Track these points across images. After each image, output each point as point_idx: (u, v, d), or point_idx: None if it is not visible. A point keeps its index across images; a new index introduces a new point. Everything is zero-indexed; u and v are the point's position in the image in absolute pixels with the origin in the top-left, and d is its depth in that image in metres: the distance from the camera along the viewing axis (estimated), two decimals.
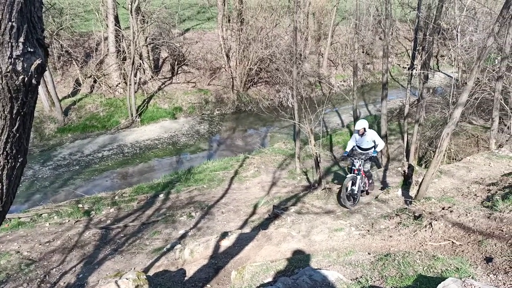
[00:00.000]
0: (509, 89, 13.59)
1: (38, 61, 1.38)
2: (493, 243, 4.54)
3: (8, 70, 1.30)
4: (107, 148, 17.52)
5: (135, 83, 20.56)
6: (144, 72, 22.39)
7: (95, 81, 21.00)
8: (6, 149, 1.47)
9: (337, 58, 28.79)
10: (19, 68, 1.33)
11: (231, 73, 23.85)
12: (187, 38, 25.64)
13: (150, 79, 22.35)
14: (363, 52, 28.86)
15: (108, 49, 21.43)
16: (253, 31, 23.51)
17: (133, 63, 19.44)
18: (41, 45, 1.39)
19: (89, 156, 16.73)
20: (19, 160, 1.57)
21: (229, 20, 24.85)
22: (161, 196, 11.91)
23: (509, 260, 4.06)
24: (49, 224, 9.99)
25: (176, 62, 23.49)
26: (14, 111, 1.41)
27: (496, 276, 3.88)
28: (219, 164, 14.71)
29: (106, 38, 21.53)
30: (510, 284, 3.63)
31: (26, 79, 1.36)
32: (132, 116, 19.88)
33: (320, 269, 4.45)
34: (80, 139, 18.09)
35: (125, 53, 21.19)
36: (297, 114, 13.65)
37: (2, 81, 1.31)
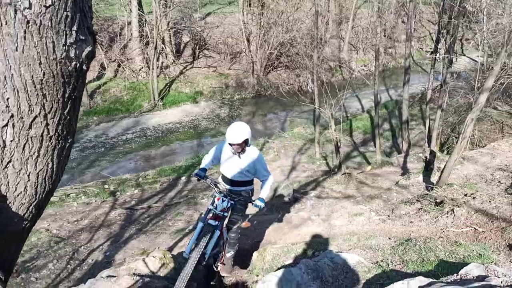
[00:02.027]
0: None
1: (88, 48, 1.48)
2: None
3: (62, 57, 1.40)
4: (131, 131, 17.87)
5: (157, 67, 20.77)
6: (166, 57, 22.56)
7: (119, 65, 21.28)
8: (58, 130, 1.59)
9: (358, 42, 28.30)
10: (72, 55, 1.43)
11: (252, 57, 23.78)
12: (208, 22, 25.60)
13: (172, 63, 22.52)
14: (384, 36, 28.27)
15: (131, 34, 21.64)
16: (274, 15, 23.29)
17: (155, 48, 19.60)
18: (90, 33, 1.49)
19: (114, 138, 17.11)
20: (69, 141, 1.69)
21: (250, 4, 24.66)
22: (183, 178, 12.15)
23: None
24: (77, 203, 10.34)
25: (197, 47, 23.56)
26: (66, 95, 1.52)
27: None
28: None
29: (129, 23, 21.72)
30: None
31: (78, 65, 1.47)
32: (154, 99, 20.14)
33: (341, 252, 4.53)
34: (105, 122, 18.47)
35: (148, 37, 21.37)
36: (317, 98, 13.62)
37: (57, 67, 1.41)
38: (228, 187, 4.78)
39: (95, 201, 10.53)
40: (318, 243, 5.44)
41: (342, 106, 14.02)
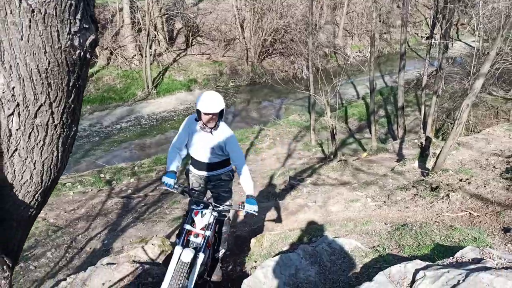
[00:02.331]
0: None
1: (92, 37, 1.48)
2: None
3: (67, 46, 1.40)
4: (125, 119, 17.79)
5: (150, 54, 20.59)
6: (159, 44, 22.36)
7: (111, 53, 21.07)
8: (63, 119, 1.59)
9: (353, 28, 28.19)
10: (76, 43, 1.43)
11: (246, 44, 23.64)
12: (201, 8, 25.35)
13: (165, 50, 22.32)
14: (379, 21, 28.17)
15: (123, 21, 21.39)
16: (268, 1, 23.11)
17: (148, 35, 19.41)
18: (93, 21, 1.49)
19: (108, 127, 17.03)
20: (73, 129, 1.69)
21: None
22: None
23: None
24: (73, 193, 10.34)
25: (190, 34, 23.35)
26: (71, 84, 1.52)
27: None
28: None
29: (121, 9, 21.45)
30: None
31: (82, 53, 1.47)
32: (148, 88, 20.01)
33: (338, 237, 4.59)
34: (99, 111, 18.36)
35: (140, 24, 21.12)
36: (312, 85, 13.61)
37: (62, 56, 1.41)
38: (204, 173, 4.12)
39: (91, 190, 10.53)
40: (315, 229, 5.51)
41: (337, 93, 14.03)
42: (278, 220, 6.62)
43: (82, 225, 8.65)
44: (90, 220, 8.86)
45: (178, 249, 3.27)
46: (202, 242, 3.35)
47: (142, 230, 8.25)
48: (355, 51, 27.32)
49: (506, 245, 4.06)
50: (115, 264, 4.91)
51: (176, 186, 3.54)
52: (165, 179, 3.57)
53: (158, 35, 22.09)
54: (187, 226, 3.44)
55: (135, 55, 21.42)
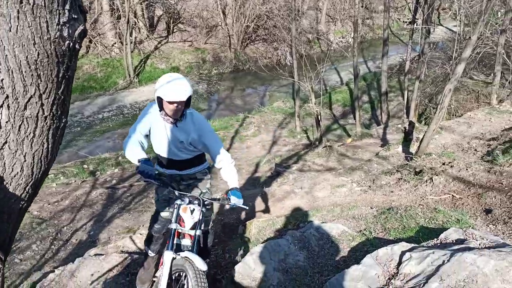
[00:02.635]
0: (511, 43, 13.50)
1: (81, 27, 1.45)
2: (493, 195, 4.75)
3: (56, 36, 1.38)
4: (107, 109, 17.52)
5: (131, 42, 20.22)
6: (140, 31, 21.97)
7: (90, 41, 20.61)
8: (52, 111, 1.57)
9: (336, 13, 28.16)
10: (65, 34, 1.40)
11: (228, 31, 23.41)
12: None
13: (146, 38, 21.96)
14: (362, 6, 28.19)
15: (101, 7, 20.91)
16: None
17: (128, 22, 19.03)
18: (82, 11, 1.46)
19: (90, 117, 16.76)
20: (63, 121, 1.68)
21: None
22: None
23: (508, 211, 4.28)
24: (56, 184, 10.19)
25: (171, 20, 22.99)
26: (60, 75, 1.50)
27: (496, 226, 4.11)
28: (219, 124, 14.81)
29: None
30: (509, 233, 3.86)
31: (71, 44, 1.44)
32: (129, 76, 19.70)
33: (325, 222, 4.66)
34: (79, 101, 18.01)
35: (119, 11, 20.68)
36: (296, 72, 13.62)
37: (51, 47, 1.39)
38: (175, 172, 3.37)
39: (75, 181, 10.40)
40: (302, 215, 5.58)
41: (321, 79, 14.08)
42: (265, 206, 6.67)
43: (67, 216, 8.55)
44: (75, 211, 8.77)
45: (168, 255, 2.75)
46: (194, 245, 2.88)
47: (129, 221, 8.21)
48: (338, 37, 27.35)
49: (488, 226, 4.19)
50: (103, 255, 4.90)
51: (157, 177, 2.91)
52: (144, 167, 2.75)
53: (138, 22, 21.69)
54: (174, 226, 2.88)
55: (115, 43, 21.01)
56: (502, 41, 12.08)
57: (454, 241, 3.16)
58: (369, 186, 6.57)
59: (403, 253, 3.00)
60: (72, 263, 4.71)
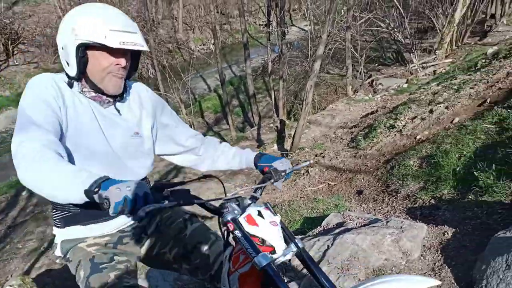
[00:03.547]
0: (356, 37, 15.06)
1: None
2: (361, 177, 5.12)
3: None
4: None
5: None
6: None
7: None
8: None
9: (192, 21, 28.20)
10: None
11: None
12: (17, 12, 22.49)
13: None
14: (217, 12, 28.78)
15: None
16: None
17: None
18: None
19: None
20: None
21: None
22: (24, 193, 10.64)
23: (375, 190, 4.65)
24: None
25: (9, 42, 20.39)
26: None
27: (367, 204, 4.44)
28: None
29: None
30: (378, 209, 4.18)
31: None
32: None
33: None
34: None
35: None
36: (162, 84, 13.26)
37: None
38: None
39: None
40: None
41: (189, 88, 13.90)
42: None
43: None
44: None
45: None
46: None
47: None
48: (198, 44, 27.43)
49: (361, 205, 4.49)
50: None
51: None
52: (124, 190, 1.06)
53: None
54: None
55: None
56: (348, 37, 13.40)
57: (335, 225, 3.34)
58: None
59: None
60: None
